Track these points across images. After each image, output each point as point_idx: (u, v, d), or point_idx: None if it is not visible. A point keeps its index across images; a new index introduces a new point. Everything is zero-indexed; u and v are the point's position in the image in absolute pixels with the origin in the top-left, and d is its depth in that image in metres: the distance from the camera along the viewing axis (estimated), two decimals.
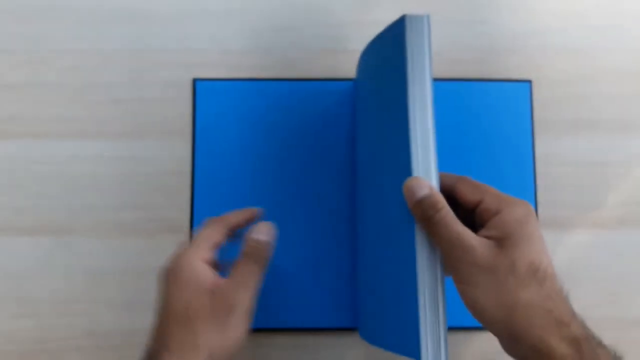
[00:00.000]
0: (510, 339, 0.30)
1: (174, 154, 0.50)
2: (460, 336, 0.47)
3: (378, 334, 0.36)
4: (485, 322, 0.31)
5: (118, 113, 0.51)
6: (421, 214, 0.31)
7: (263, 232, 0.38)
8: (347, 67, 0.50)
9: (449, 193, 0.34)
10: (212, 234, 0.39)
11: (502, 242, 0.31)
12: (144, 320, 0.48)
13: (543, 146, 0.51)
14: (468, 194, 0.33)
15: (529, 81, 0.51)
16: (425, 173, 0.32)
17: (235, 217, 0.41)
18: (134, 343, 0.47)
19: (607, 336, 0.32)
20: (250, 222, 0.42)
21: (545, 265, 0.31)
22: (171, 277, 0.37)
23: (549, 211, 0.50)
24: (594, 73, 0.53)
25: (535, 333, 0.29)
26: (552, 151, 0.51)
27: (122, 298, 0.48)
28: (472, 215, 0.34)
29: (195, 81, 0.51)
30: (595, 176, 0.51)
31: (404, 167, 0.33)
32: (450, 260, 0.31)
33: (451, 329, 0.47)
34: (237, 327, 0.35)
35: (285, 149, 0.50)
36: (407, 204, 0.32)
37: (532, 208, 0.32)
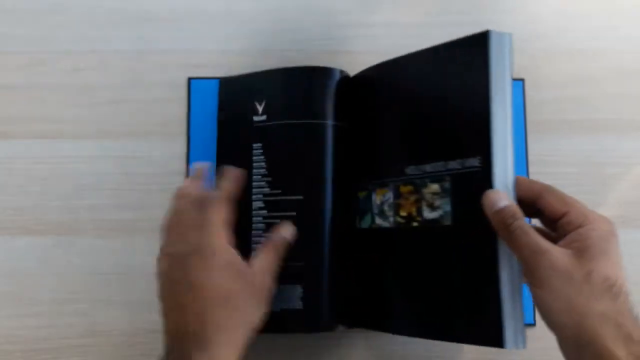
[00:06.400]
0: (575, 345, 0.31)
1: (174, 153, 0.50)
2: None
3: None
4: (553, 326, 0.32)
5: (118, 113, 0.51)
6: (500, 221, 0.33)
7: (288, 232, 0.43)
8: (347, 67, 0.50)
9: (533, 200, 0.35)
10: (227, 215, 0.40)
11: (580, 253, 0.32)
12: (144, 320, 0.48)
13: (544, 146, 0.51)
14: (555, 204, 0.34)
15: (522, 80, 0.51)
16: (505, 187, 0.35)
17: (230, 187, 0.42)
18: (134, 343, 0.48)
19: None
20: (240, 185, 0.44)
21: (621, 282, 0.32)
22: (200, 261, 0.36)
23: None
24: (593, 73, 0.53)
25: (603, 343, 0.30)
26: (552, 151, 0.51)
27: (122, 298, 0.49)
28: (553, 225, 0.35)
29: (190, 80, 0.51)
30: (594, 176, 0.51)
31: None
32: (528, 264, 0.33)
33: None
34: (267, 306, 0.39)
35: None
36: (487, 212, 0.34)
37: (615, 227, 0.34)
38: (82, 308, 0.48)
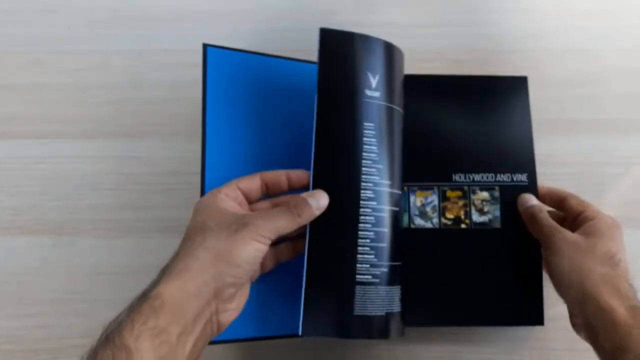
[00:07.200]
0: (579, 302, 0.37)
1: (174, 154, 0.50)
2: (461, 336, 0.47)
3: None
4: (562, 287, 0.39)
5: (118, 113, 0.51)
6: (529, 214, 0.44)
7: (315, 198, 0.38)
8: None
9: (559, 203, 0.44)
10: (244, 178, 0.40)
11: (589, 235, 0.40)
12: None
13: (544, 146, 0.51)
14: (575, 205, 0.43)
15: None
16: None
17: (277, 172, 0.40)
18: None
19: None
20: (297, 184, 0.41)
21: (620, 257, 0.39)
22: (195, 208, 0.38)
23: None
24: (594, 74, 0.53)
25: (602, 297, 0.36)
26: (553, 151, 0.51)
27: (122, 298, 0.48)
28: (573, 226, 0.42)
29: (206, 48, 0.42)
30: (595, 176, 0.51)
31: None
32: (546, 238, 0.41)
33: (453, 328, 0.47)
34: (247, 243, 0.35)
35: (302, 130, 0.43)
36: (519, 208, 0.45)
37: (621, 225, 0.41)
38: (83, 308, 0.48)
